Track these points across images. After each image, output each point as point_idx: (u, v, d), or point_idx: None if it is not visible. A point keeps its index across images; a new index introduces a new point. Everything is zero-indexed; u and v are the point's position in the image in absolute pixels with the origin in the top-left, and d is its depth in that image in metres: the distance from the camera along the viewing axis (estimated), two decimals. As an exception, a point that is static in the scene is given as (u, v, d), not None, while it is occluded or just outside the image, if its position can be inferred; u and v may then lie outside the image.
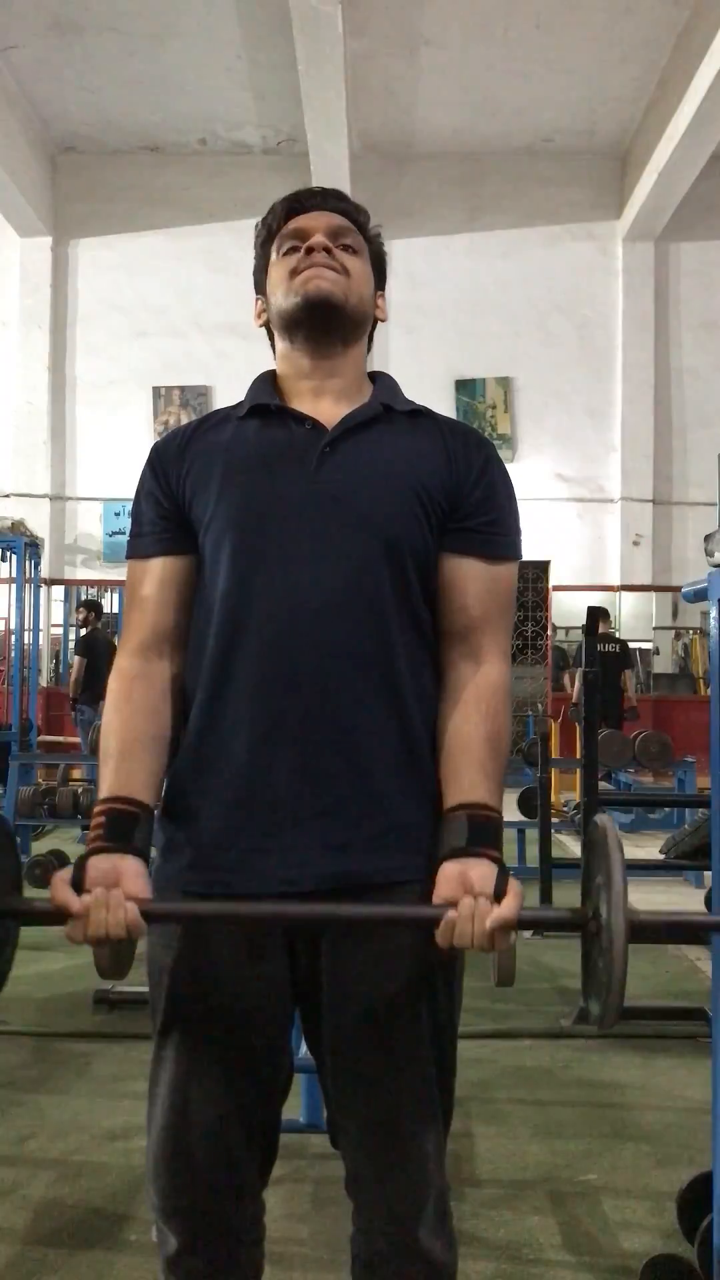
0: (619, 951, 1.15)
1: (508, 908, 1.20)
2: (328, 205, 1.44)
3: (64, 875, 1.24)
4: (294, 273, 1.39)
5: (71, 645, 12.07)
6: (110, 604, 11.25)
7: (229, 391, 11.69)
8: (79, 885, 1.23)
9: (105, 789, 1.30)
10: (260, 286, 1.47)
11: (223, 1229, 1.31)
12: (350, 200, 1.46)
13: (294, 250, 1.40)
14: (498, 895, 1.21)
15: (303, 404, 1.39)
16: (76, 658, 9.15)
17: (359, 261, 1.42)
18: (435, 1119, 1.32)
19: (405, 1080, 1.29)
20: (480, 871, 1.23)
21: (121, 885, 1.22)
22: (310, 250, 1.38)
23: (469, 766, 1.30)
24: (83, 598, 12.19)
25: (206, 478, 1.36)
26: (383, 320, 1.49)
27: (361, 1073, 1.30)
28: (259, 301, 1.47)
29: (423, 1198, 1.30)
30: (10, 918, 1.28)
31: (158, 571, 1.38)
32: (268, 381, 1.44)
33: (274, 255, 1.43)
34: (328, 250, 1.39)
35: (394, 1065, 1.29)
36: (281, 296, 1.40)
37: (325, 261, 1.38)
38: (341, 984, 1.29)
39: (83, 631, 9.51)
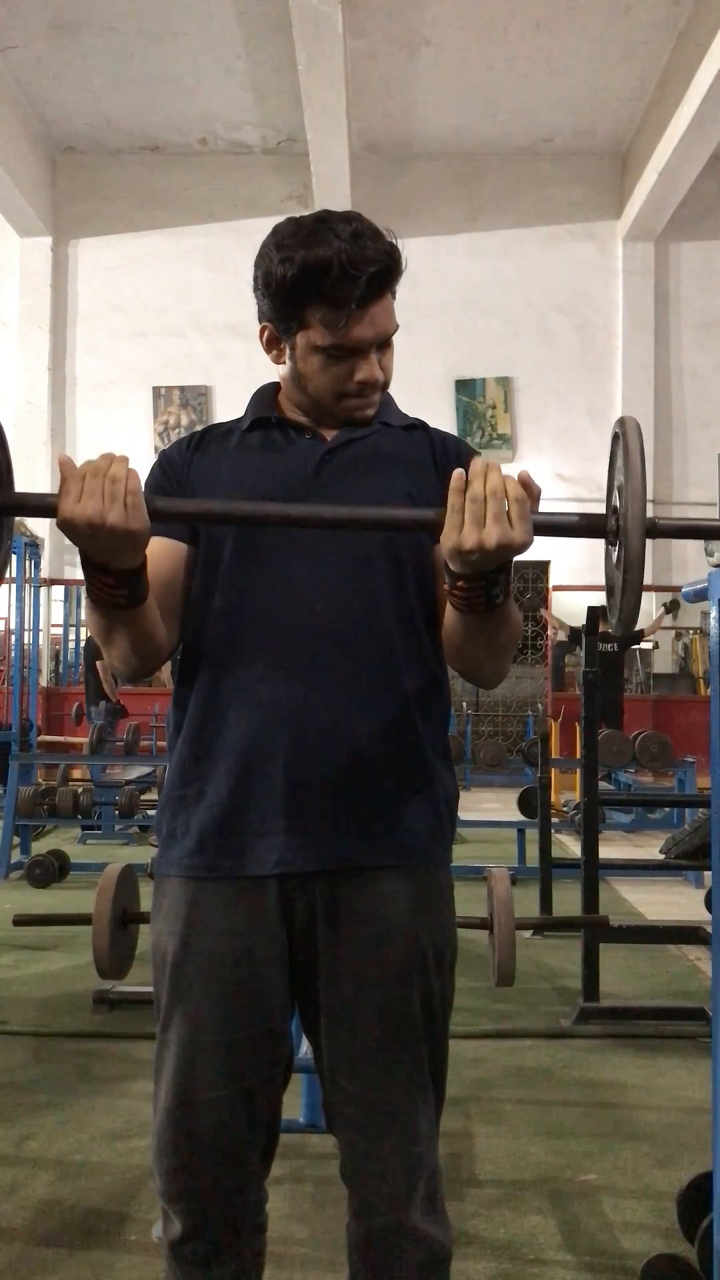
0: (635, 547, 1.13)
1: (524, 473, 1.15)
2: (380, 285, 1.31)
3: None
4: (342, 394, 1.36)
5: (72, 645, 12.08)
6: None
7: (229, 391, 11.71)
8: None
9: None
10: (268, 317, 1.37)
11: (227, 1212, 1.33)
12: (389, 254, 1.31)
13: (341, 358, 1.34)
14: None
15: (302, 418, 1.43)
16: (100, 661, 9.17)
17: (390, 349, 1.39)
18: (428, 1101, 1.35)
19: (398, 1061, 1.32)
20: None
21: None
22: (363, 384, 1.35)
23: None
24: (84, 599, 12.20)
25: (211, 483, 1.39)
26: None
27: (355, 1054, 1.32)
28: (266, 330, 1.38)
29: (415, 1178, 1.33)
30: (3, 512, 1.22)
31: (154, 548, 1.36)
32: (269, 394, 1.46)
33: (315, 337, 1.33)
34: (380, 378, 1.36)
35: (387, 1046, 1.32)
36: (322, 392, 1.37)
37: (374, 395, 1.37)
38: (336, 967, 1.32)
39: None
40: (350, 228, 1.30)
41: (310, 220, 1.33)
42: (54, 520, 1.16)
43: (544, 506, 1.20)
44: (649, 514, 1.14)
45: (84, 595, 1.29)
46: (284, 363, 1.39)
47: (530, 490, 1.16)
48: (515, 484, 1.15)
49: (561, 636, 10.31)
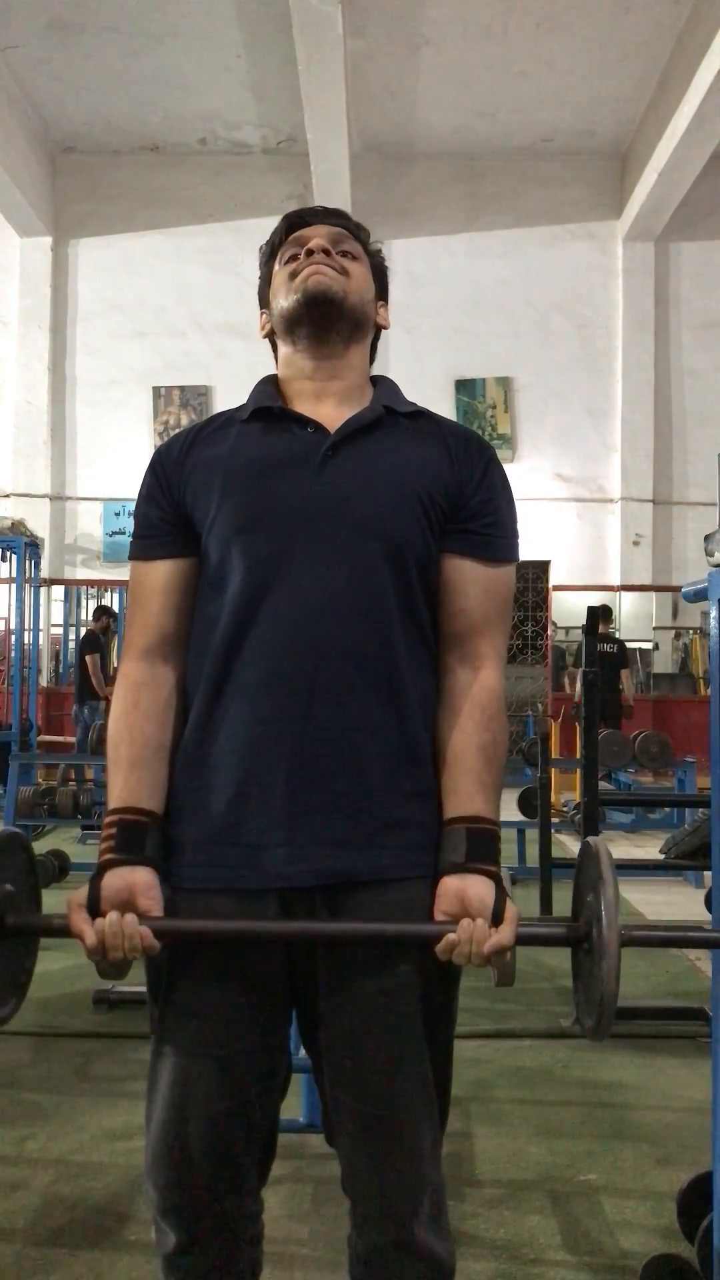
0: (611, 969, 1.23)
1: (504, 934, 1.25)
2: (328, 220, 1.49)
3: (79, 899, 1.27)
4: (294, 274, 1.43)
5: (72, 645, 12.09)
6: (111, 604, 11.27)
7: (229, 391, 11.70)
8: (95, 904, 1.27)
9: (115, 799, 1.33)
10: (264, 301, 1.51)
11: (221, 1226, 1.32)
12: (350, 219, 1.51)
13: (295, 258, 1.45)
14: (496, 917, 1.25)
15: (304, 407, 1.41)
16: (89, 656, 9.15)
17: (358, 266, 1.46)
18: (431, 1115, 1.33)
19: (400, 1076, 1.30)
20: (478, 890, 1.27)
21: (135, 902, 1.27)
22: (310, 252, 1.43)
23: (465, 778, 1.32)
24: (84, 599, 12.21)
25: (209, 481, 1.37)
26: (385, 328, 1.53)
27: (356, 1068, 1.30)
28: (264, 315, 1.51)
29: (418, 1193, 1.30)
30: (30, 934, 1.33)
31: (161, 575, 1.39)
32: (270, 385, 1.46)
33: (277, 266, 1.48)
34: (326, 251, 1.43)
35: (389, 1061, 1.30)
36: (284, 298, 1.43)
37: (324, 260, 1.42)
38: (337, 981, 1.30)
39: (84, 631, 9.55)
40: (320, 208, 1.52)
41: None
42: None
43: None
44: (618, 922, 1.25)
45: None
46: (269, 327, 1.50)
47: (505, 948, 1.25)
48: (505, 933, 1.25)
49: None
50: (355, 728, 1.30)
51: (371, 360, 1.51)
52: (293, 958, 1.32)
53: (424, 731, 1.34)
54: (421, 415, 1.44)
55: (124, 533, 11.74)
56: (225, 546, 1.34)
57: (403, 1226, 1.29)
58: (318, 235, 1.45)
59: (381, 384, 1.48)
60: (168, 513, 1.39)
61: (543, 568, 11.78)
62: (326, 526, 1.32)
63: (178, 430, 1.52)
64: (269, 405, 1.40)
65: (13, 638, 7.52)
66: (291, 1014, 1.36)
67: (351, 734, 1.30)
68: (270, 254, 1.51)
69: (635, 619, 11.85)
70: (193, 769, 1.34)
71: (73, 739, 9.41)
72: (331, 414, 1.39)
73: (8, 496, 11.75)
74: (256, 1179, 1.36)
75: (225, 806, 1.31)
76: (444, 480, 1.37)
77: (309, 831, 1.28)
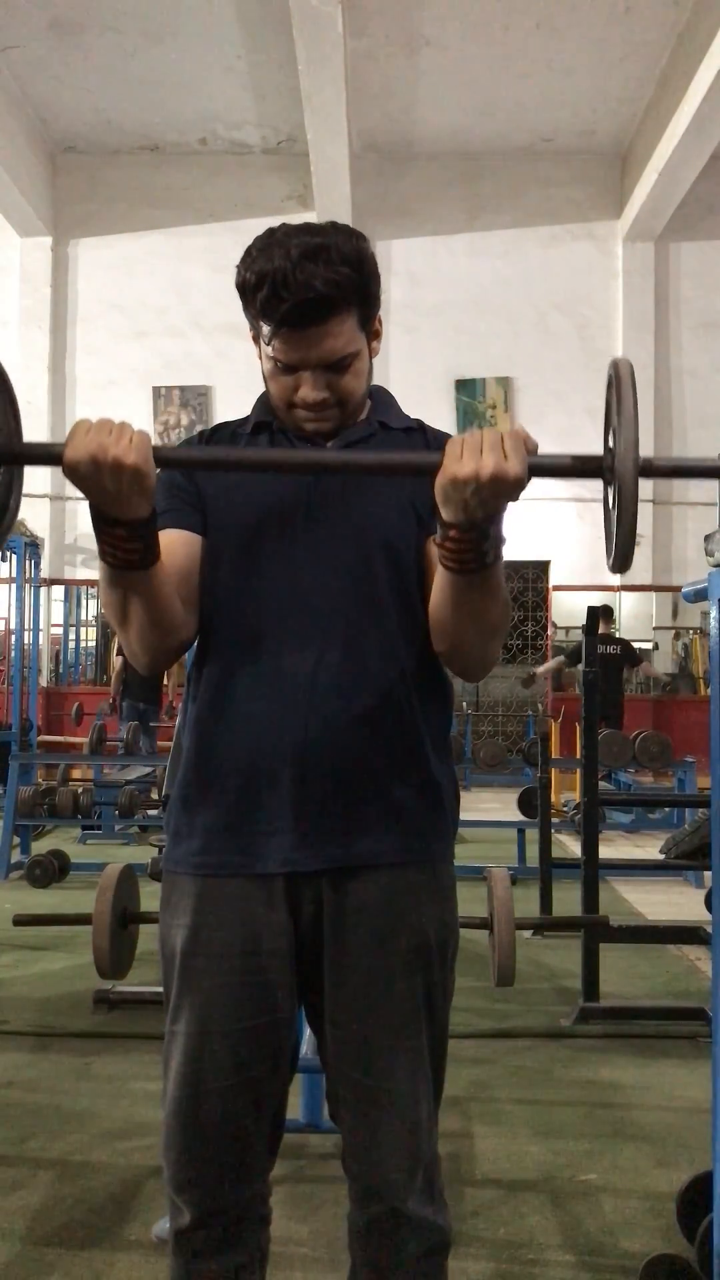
0: (629, 487, 1.12)
1: (513, 462, 1.14)
2: (319, 314, 1.30)
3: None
4: (291, 405, 1.38)
5: (72, 645, 12.09)
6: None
7: (229, 391, 11.70)
8: None
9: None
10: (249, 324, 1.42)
11: (233, 1201, 1.35)
12: (336, 282, 1.29)
13: (287, 371, 1.36)
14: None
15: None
16: (118, 658, 9.26)
17: (357, 368, 1.38)
18: (427, 1090, 1.37)
19: (399, 1051, 1.34)
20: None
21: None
22: (304, 402, 1.36)
23: None
24: (84, 599, 12.21)
25: (219, 482, 1.42)
26: (379, 337, 1.45)
27: (359, 1043, 1.34)
28: (253, 330, 1.42)
29: (415, 1166, 1.34)
30: (13, 461, 1.25)
31: (170, 538, 1.39)
32: (267, 400, 1.47)
33: (261, 348, 1.38)
34: (324, 399, 1.36)
35: (389, 1036, 1.34)
36: (276, 400, 1.40)
37: (322, 413, 1.37)
38: (341, 959, 1.34)
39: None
40: (309, 244, 1.30)
41: (281, 231, 1.34)
42: (60, 468, 1.18)
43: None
44: (644, 454, 1.14)
45: (98, 573, 1.33)
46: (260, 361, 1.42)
47: (527, 441, 1.16)
48: (513, 430, 1.16)
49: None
50: (357, 719, 1.33)
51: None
52: (299, 936, 1.36)
53: (423, 722, 1.38)
54: (413, 430, 1.47)
55: (124, 533, 11.74)
56: (225, 546, 1.38)
57: (399, 1198, 1.33)
58: (309, 362, 1.33)
59: (377, 396, 1.49)
60: (184, 496, 1.41)
61: (543, 568, 11.78)
62: (323, 529, 1.37)
63: (178, 431, 1.50)
64: (268, 420, 1.44)
65: (13, 638, 7.53)
66: (297, 992, 1.39)
67: (353, 725, 1.33)
68: (243, 293, 1.36)
69: (635, 619, 11.85)
70: (201, 762, 1.38)
71: (72, 739, 9.42)
72: (329, 428, 1.42)
73: (8, 496, 11.75)
74: (266, 1158, 1.39)
75: (235, 796, 1.35)
76: (427, 489, 1.39)
77: (314, 819, 1.33)
